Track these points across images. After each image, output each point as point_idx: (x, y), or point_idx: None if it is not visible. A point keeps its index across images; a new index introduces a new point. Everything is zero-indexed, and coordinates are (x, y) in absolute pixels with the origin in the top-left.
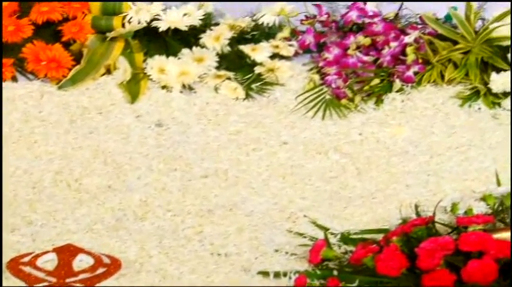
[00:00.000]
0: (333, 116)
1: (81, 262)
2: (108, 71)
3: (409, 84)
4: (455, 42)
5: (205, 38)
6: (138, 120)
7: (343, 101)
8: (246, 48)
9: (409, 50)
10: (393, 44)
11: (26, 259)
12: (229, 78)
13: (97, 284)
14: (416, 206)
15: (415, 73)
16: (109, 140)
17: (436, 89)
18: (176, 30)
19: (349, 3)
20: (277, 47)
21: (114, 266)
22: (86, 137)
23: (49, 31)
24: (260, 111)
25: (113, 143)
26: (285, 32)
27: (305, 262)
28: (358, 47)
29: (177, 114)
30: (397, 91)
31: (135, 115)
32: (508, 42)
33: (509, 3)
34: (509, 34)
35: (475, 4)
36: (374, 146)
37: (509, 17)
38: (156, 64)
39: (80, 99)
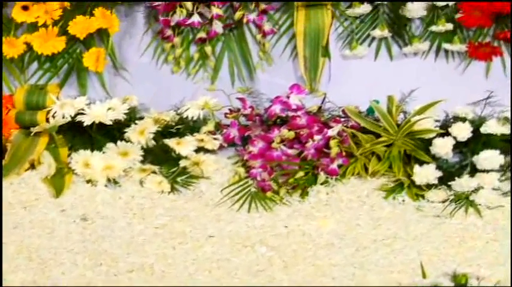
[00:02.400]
0: (259, 209)
1: None
2: (33, 166)
3: (334, 177)
4: (378, 135)
5: (130, 132)
6: (62, 215)
7: (269, 194)
8: (170, 142)
9: (332, 143)
10: (317, 137)
11: None
12: (154, 172)
13: None
14: None
15: (339, 166)
16: (33, 235)
17: (360, 181)
18: (101, 125)
19: (272, 97)
20: (202, 140)
21: None
22: (10, 232)
23: None
24: (186, 204)
25: (38, 238)
26: (210, 126)
27: None
28: (282, 140)
29: (102, 209)
30: (321, 184)
31: (60, 209)
32: (430, 135)
33: None
34: (430, 127)
35: (396, 98)
36: (300, 238)
37: (429, 110)
38: (81, 158)
39: (4, 194)
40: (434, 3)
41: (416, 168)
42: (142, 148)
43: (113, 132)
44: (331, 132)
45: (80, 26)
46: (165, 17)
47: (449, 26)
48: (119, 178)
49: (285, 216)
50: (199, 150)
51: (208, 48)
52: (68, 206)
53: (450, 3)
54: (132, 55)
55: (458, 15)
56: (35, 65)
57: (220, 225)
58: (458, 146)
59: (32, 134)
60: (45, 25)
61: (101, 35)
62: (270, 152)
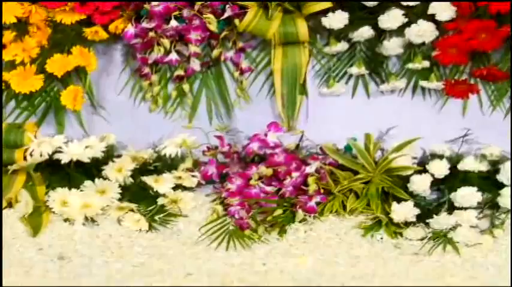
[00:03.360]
0: (237, 247)
1: None
2: (10, 205)
3: (312, 215)
4: (356, 172)
5: (108, 169)
6: (40, 254)
7: (247, 232)
8: (148, 180)
9: (310, 180)
10: (295, 175)
11: None
12: (132, 210)
13: None
14: None
15: (317, 203)
16: (11, 274)
17: (339, 219)
18: (79, 163)
19: (250, 134)
20: (179, 178)
21: None
22: None
23: None
24: (164, 242)
25: (15, 277)
26: (188, 163)
27: None
28: (260, 178)
29: (80, 247)
30: (300, 221)
31: (37, 248)
32: (408, 172)
33: None
34: (408, 164)
35: (373, 135)
36: (279, 276)
37: (407, 148)
38: (59, 197)
39: None
40: (411, 41)
41: (394, 205)
42: (120, 185)
43: (90, 170)
44: (309, 169)
45: (58, 64)
46: (142, 55)
47: (426, 64)
48: (96, 216)
49: (263, 254)
50: (177, 188)
51: (186, 86)
52: (46, 245)
53: (426, 41)
54: (110, 93)
55: (434, 53)
56: (12, 103)
57: (199, 263)
58: (436, 184)
59: (9, 172)
60: (22, 63)
61: (79, 73)
62: (248, 189)
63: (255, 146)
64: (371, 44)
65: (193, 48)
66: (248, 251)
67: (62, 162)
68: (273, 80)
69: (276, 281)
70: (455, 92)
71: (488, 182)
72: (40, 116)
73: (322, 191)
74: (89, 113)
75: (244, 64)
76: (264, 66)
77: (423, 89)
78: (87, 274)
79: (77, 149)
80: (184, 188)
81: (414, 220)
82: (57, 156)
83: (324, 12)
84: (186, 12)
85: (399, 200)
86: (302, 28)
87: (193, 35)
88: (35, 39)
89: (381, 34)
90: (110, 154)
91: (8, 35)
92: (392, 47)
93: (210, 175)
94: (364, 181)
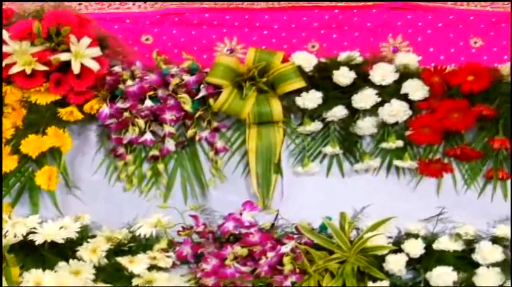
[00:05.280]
0: None
1: None
2: None
3: None
4: (331, 252)
5: (82, 250)
6: None
7: None
8: (123, 260)
9: (286, 260)
10: (270, 254)
11: None
12: None
13: None
14: None
15: (293, 283)
16: None
17: None
18: (53, 243)
19: (225, 214)
20: (154, 258)
21: None
22: None
23: None
24: None
25: None
26: (162, 243)
27: None
28: (235, 258)
29: None
30: None
31: None
32: (383, 252)
33: None
34: (383, 244)
35: (348, 214)
36: None
37: (382, 227)
38: (33, 278)
39: None
40: (384, 120)
41: (370, 285)
42: (94, 266)
43: (65, 250)
44: (284, 249)
45: (32, 144)
46: (117, 135)
47: (400, 143)
48: None
49: None
50: (152, 268)
51: (160, 166)
52: None
53: (400, 121)
54: (85, 173)
55: (408, 132)
56: None
57: None
58: (411, 263)
59: None
60: None
61: (53, 154)
62: (223, 269)
63: (230, 225)
64: (345, 123)
65: (168, 128)
66: None
67: (36, 243)
68: (248, 160)
69: None
70: (429, 171)
71: (463, 261)
72: (14, 197)
73: (297, 270)
74: (64, 193)
75: (219, 144)
76: (239, 145)
77: (397, 168)
78: None
79: (52, 229)
80: (159, 269)
81: None
82: (31, 237)
83: (298, 92)
84: (160, 92)
85: (375, 280)
86: (276, 108)
87: (168, 115)
88: (9, 120)
89: (355, 113)
90: (85, 235)
91: None
92: (366, 126)
93: (185, 255)
94: (340, 260)
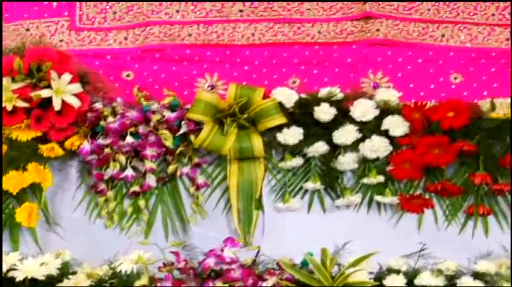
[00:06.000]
0: None
1: None
2: None
3: None
4: None
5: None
6: None
7: None
8: None
9: None
10: None
11: None
12: None
13: None
14: None
15: None
16: None
17: None
18: (33, 280)
19: (206, 250)
20: None
21: None
22: None
23: None
24: None
25: None
26: (143, 280)
27: None
28: None
29: None
30: None
31: None
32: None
33: None
34: (365, 279)
35: (330, 250)
36: None
37: (363, 262)
38: None
39: None
40: (365, 156)
41: None
42: None
43: None
44: (266, 285)
45: (13, 181)
46: (98, 171)
47: (381, 179)
48: None
49: None
50: None
51: (141, 202)
52: None
53: (381, 156)
54: (65, 210)
55: (389, 168)
56: None
57: None
58: None
59: None
60: None
61: (34, 190)
62: None
63: (211, 261)
64: (326, 159)
65: (149, 164)
66: None
67: (17, 279)
68: (229, 196)
69: None
70: (410, 206)
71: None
72: None
73: None
74: (44, 229)
75: (200, 179)
76: (220, 181)
77: (378, 203)
78: None
79: (32, 266)
80: None
81: None
82: (11, 274)
83: (279, 128)
84: (142, 129)
85: None
86: (257, 143)
87: (149, 151)
88: None
89: (336, 149)
90: (65, 271)
91: None
92: (347, 162)
93: None
94: None
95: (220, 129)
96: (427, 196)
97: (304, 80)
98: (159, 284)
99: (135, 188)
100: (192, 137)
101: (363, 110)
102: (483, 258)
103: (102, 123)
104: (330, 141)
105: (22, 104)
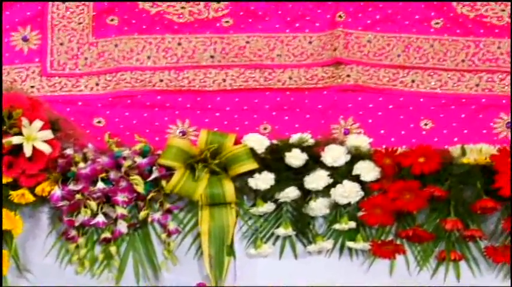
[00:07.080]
0: None
1: None
2: None
3: None
4: None
5: None
6: None
7: None
8: None
9: None
10: None
11: None
12: None
13: None
14: None
15: None
16: None
17: None
18: None
19: None
20: None
21: None
22: None
23: None
24: None
25: None
26: None
27: None
28: None
29: None
30: None
31: None
32: None
33: None
34: None
35: None
36: None
37: None
38: None
39: None
40: (337, 201)
41: None
42: None
43: None
44: None
45: None
46: (69, 218)
47: (352, 224)
48: None
49: None
50: None
51: (113, 248)
52: None
53: (352, 202)
54: (36, 256)
55: (360, 214)
56: None
57: None
58: None
59: None
60: None
61: (5, 237)
62: None
63: None
64: (297, 204)
65: (120, 210)
66: None
67: None
68: (201, 242)
69: None
70: (381, 252)
71: None
72: None
73: None
74: (15, 276)
75: (172, 226)
76: (191, 227)
77: (350, 249)
78: None
79: None
80: None
81: None
82: None
83: (251, 173)
84: (113, 175)
85: None
86: (229, 189)
87: (120, 197)
88: None
89: (307, 194)
90: None
91: None
92: (318, 207)
93: None
94: None
95: (191, 175)
96: (398, 242)
97: (276, 126)
98: None
99: (106, 234)
100: (163, 182)
101: (334, 155)
102: None
103: (73, 169)
104: (301, 187)
105: None
